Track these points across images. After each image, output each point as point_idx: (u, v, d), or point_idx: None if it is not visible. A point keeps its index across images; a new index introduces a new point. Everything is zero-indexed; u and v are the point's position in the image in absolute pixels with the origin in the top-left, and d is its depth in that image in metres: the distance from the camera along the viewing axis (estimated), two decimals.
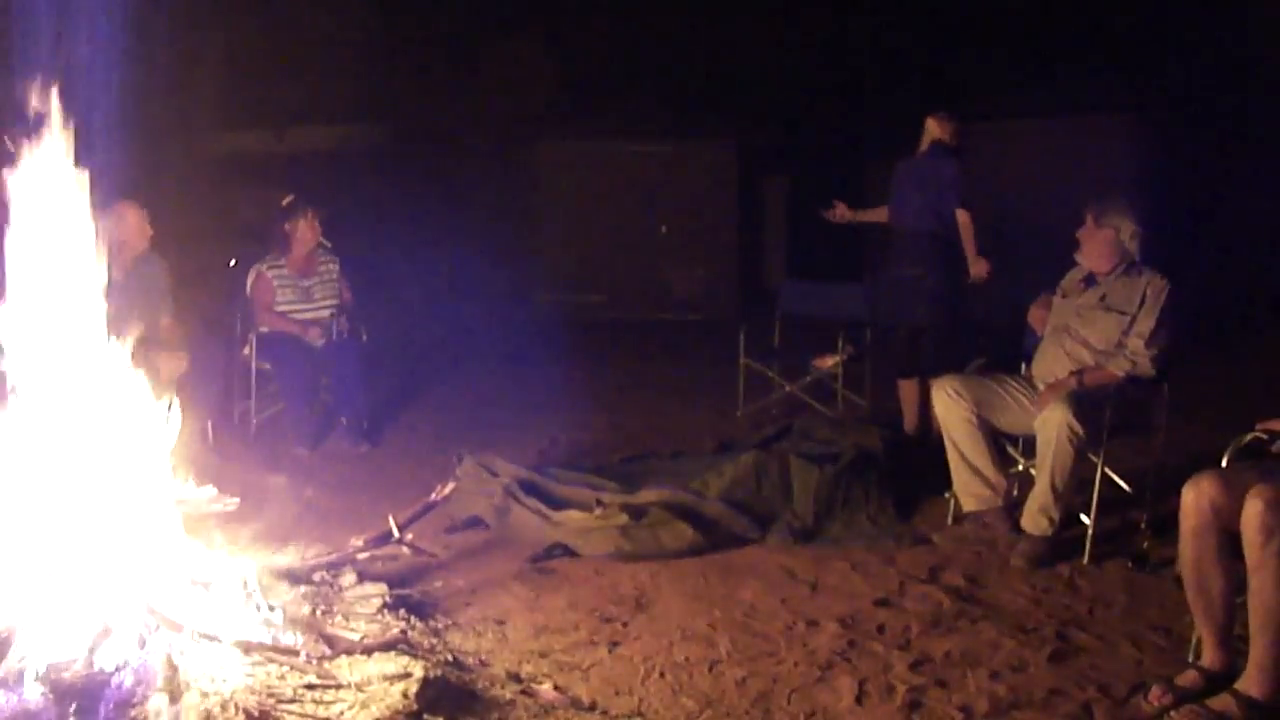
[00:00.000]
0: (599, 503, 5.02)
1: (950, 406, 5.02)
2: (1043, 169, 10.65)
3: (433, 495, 4.80)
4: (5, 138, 3.62)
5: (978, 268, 6.50)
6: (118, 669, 3.20)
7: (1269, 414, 3.66)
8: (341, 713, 3.19)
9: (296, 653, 3.48)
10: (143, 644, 3.30)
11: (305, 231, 6.74)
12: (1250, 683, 3.33)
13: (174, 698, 3.13)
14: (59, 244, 3.76)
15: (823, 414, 7.17)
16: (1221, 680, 3.44)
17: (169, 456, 3.96)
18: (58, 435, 3.66)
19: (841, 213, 7.10)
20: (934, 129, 6.65)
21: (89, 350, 3.79)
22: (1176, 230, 9.07)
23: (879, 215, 7.00)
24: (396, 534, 4.51)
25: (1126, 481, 5.04)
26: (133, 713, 3.08)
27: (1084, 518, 4.84)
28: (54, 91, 3.69)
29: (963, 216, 6.49)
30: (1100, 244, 4.99)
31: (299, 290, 6.75)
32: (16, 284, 3.69)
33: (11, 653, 3.20)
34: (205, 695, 3.17)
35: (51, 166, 3.75)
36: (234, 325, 6.84)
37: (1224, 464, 3.68)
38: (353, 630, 3.73)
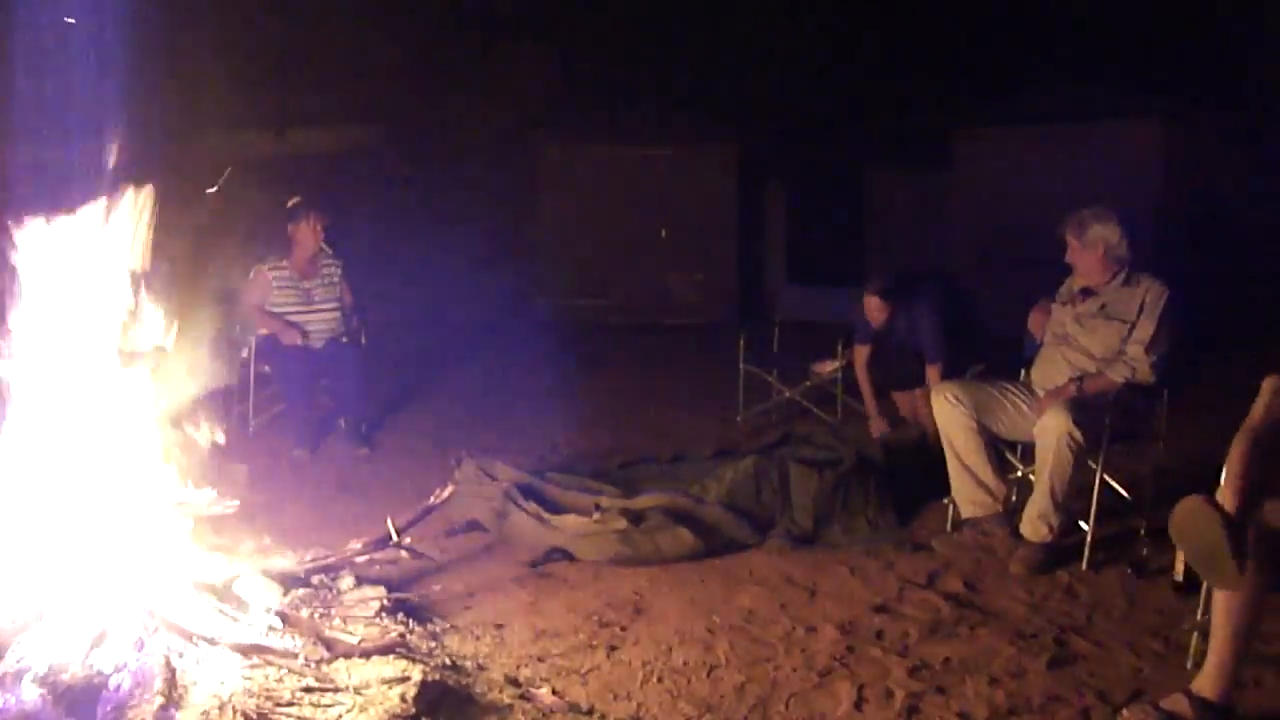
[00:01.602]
0: (598, 507, 5.02)
1: (950, 412, 5.02)
2: (1043, 175, 10.65)
3: (431, 499, 4.81)
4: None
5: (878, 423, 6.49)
6: (116, 671, 3.20)
7: None
8: (340, 716, 3.19)
9: (294, 656, 3.48)
10: (141, 646, 3.31)
11: (307, 235, 6.74)
12: (1206, 682, 3.35)
13: (172, 700, 3.13)
14: (64, 249, 3.77)
15: (822, 419, 7.18)
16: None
17: (168, 459, 3.96)
18: (58, 438, 3.67)
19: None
20: (885, 308, 6.55)
21: (89, 353, 3.79)
22: (1177, 237, 9.09)
23: (864, 366, 6.86)
24: (395, 537, 4.51)
25: (1126, 488, 5.04)
26: (130, 715, 3.08)
27: (1083, 524, 4.84)
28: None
29: (934, 374, 6.35)
30: (1092, 261, 4.98)
31: (300, 292, 6.75)
32: (20, 288, 3.70)
33: (10, 654, 3.20)
34: (203, 697, 3.17)
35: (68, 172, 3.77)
36: (233, 327, 6.83)
37: (1224, 473, 3.69)
38: (351, 633, 3.73)
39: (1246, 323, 9.28)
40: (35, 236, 3.74)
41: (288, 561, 4.42)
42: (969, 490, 5.04)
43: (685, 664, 3.85)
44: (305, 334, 6.66)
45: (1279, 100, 10.30)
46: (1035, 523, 4.75)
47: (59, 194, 3.86)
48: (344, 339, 6.84)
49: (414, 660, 3.56)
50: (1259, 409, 3.56)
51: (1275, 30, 10.24)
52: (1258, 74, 10.55)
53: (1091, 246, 4.96)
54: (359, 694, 3.29)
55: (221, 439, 4.32)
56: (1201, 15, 11.03)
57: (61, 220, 3.78)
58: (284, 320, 6.66)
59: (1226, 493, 3.37)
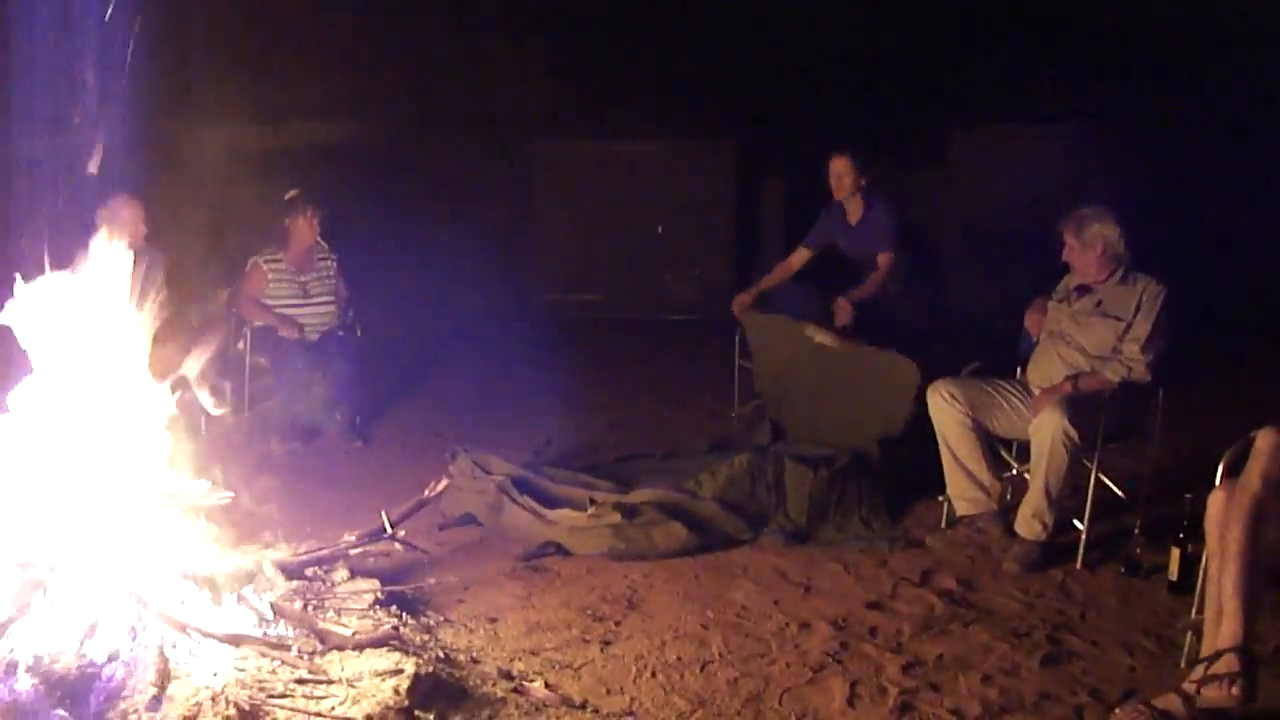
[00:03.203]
0: (592, 501, 5.02)
1: (945, 410, 5.02)
2: (1040, 173, 10.65)
3: (426, 492, 4.80)
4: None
5: (844, 308, 6.39)
6: (109, 661, 3.20)
7: (1263, 422, 3.66)
8: (333, 708, 3.19)
9: (288, 648, 3.47)
10: (134, 637, 3.30)
11: (304, 229, 6.73)
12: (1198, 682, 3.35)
13: (164, 691, 3.12)
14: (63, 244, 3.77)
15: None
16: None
17: (163, 450, 3.95)
18: (53, 428, 3.66)
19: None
20: (851, 174, 6.62)
21: (85, 345, 3.78)
22: (1173, 237, 9.09)
23: (787, 266, 7.07)
24: (389, 530, 4.51)
25: (1120, 487, 5.04)
26: (123, 705, 3.08)
27: (1077, 523, 4.84)
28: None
29: (885, 260, 6.52)
30: (1091, 260, 4.98)
31: (296, 285, 6.73)
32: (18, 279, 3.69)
33: (3, 644, 3.19)
34: (196, 689, 3.17)
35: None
36: (229, 319, 6.81)
37: (1219, 472, 3.69)
38: (344, 626, 3.73)
39: (1238, 325, 9.30)
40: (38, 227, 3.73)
41: (282, 553, 4.41)
42: (964, 488, 5.04)
43: (679, 659, 3.85)
44: (303, 329, 6.66)
45: (1265, 102, 10.31)
46: (1030, 521, 4.76)
47: (57, 187, 3.85)
48: (339, 332, 6.83)
49: (407, 653, 3.55)
50: (1255, 472, 3.46)
51: (1264, 33, 10.24)
52: (1244, 75, 10.56)
53: (1090, 245, 4.95)
54: (352, 686, 3.29)
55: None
56: (1190, 18, 11.03)
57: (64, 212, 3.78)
58: (281, 314, 6.65)
59: (1230, 616, 3.31)
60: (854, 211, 6.68)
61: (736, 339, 7.45)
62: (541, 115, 12.32)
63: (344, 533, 4.57)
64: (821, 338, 6.26)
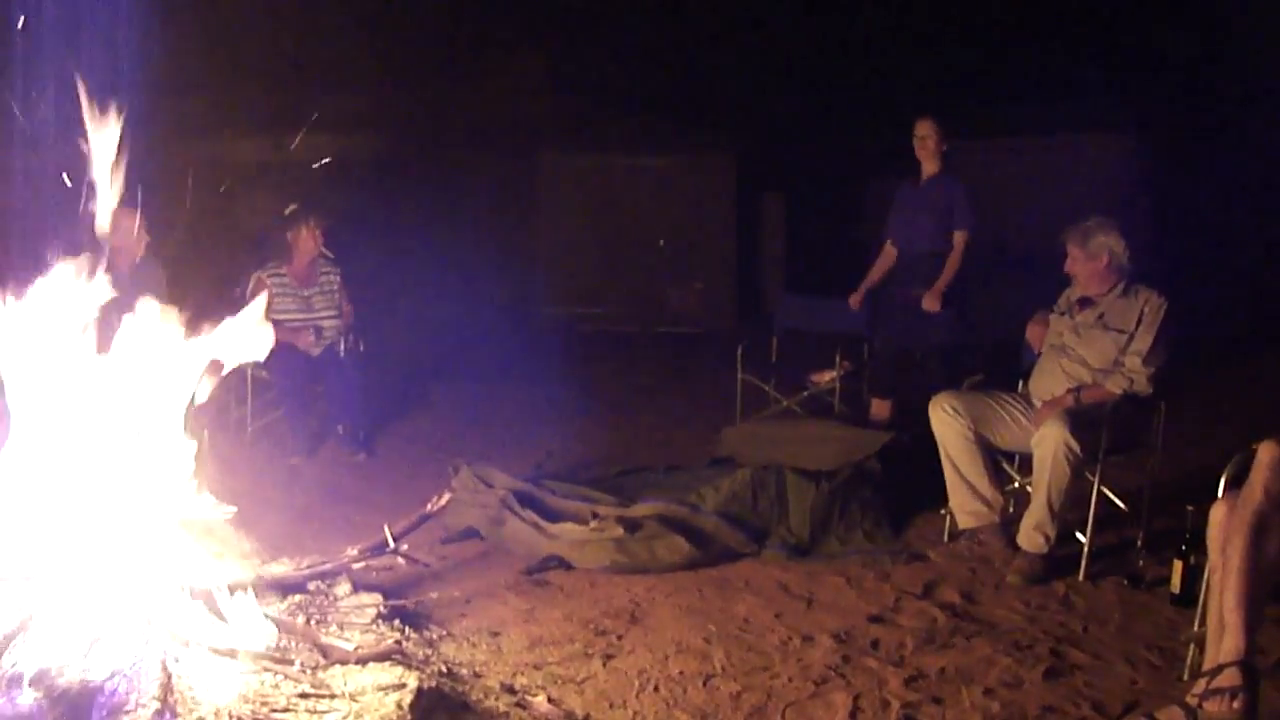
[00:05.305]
0: (595, 515, 5.03)
1: (947, 423, 5.02)
2: (1041, 186, 10.68)
3: (428, 506, 4.80)
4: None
5: (932, 299, 6.59)
6: (112, 675, 3.20)
7: (1265, 434, 3.66)
8: None
9: (290, 662, 3.47)
10: (137, 651, 3.30)
11: (307, 240, 6.75)
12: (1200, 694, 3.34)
13: (167, 705, 3.12)
14: (60, 249, 3.77)
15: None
16: None
17: (166, 464, 3.95)
18: (55, 442, 3.66)
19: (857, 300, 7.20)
20: (934, 137, 6.73)
21: (87, 358, 3.79)
22: (1174, 249, 9.12)
23: (884, 260, 7.12)
24: (392, 544, 4.51)
25: (1122, 499, 5.05)
26: (125, 719, 3.07)
27: (1080, 535, 4.84)
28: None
29: (961, 239, 6.61)
30: (1094, 272, 5.00)
31: (299, 299, 6.75)
32: (16, 290, 3.69)
33: (5, 657, 3.19)
34: (198, 703, 3.17)
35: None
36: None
37: (1221, 484, 3.69)
38: (347, 640, 3.73)
39: (1240, 337, 9.30)
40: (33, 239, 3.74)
41: (284, 567, 4.42)
42: (966, 501, 5.04)
43: (681, 673, 3.85)
44: (320, 333, 6.68)
45: (1256, 109, 10.34)
46: (1032, 533, 4.76)
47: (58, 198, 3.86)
48: (342, 346, 6.84)
49: (410, 667, 3.55)
50: (1257, 484, 3.44)
51: (1254, 40, 10.28)
52: (1235, 84, 10.60)
53: (1095, 256, 4.97)
54: (354, 701, 3.29)
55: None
56: (1178, 26, 11.08)
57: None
58: (292, 328, 6.66)
59: (1232, 630, 3.29)
60: (928, 172, 6.81)
61: (739, 352, 7.46)
62: (544, 130, 12.37)
63: (346, 547, 4.57)
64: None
